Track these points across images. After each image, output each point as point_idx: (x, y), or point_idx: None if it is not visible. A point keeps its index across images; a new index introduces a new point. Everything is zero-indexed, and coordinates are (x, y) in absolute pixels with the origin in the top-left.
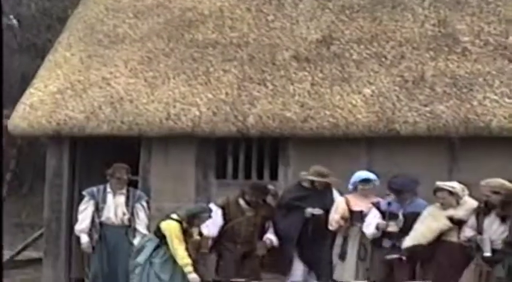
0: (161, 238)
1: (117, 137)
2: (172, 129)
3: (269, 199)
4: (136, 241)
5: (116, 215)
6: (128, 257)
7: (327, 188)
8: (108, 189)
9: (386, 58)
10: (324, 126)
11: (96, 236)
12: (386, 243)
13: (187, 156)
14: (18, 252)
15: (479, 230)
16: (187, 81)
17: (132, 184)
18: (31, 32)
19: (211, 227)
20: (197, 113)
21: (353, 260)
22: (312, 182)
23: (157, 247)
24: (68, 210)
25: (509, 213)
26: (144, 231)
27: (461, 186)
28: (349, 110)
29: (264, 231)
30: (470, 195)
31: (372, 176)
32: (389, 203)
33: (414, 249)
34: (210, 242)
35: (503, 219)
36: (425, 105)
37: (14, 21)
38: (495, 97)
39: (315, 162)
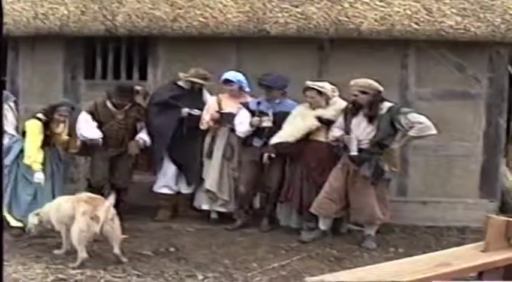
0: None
1: None
2: (40, 28)
3: (139, 99)
4: (5, 142)
5: None
6: None
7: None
8: None
9: None
10: (193, 26)
11: None
12: (257, 142)
13: (55, 57)
14: None
15: (347, 130)
16: None
17: (0, 86)
18: None
19: (85, 130)
20: (65, 11)
21: (218, 159)
22: (192, 82)
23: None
24: None
25: (376, 113)
26: (12, 131)
27: (331, 86)
28: (220, 10)
29: (136, 133)
30: (340, 96)
31: (233, 76)
32: (258, 103)
33: (280, 146)
34: (78, 143)
35: (370, 119)
36: (296, 6)
37: None
38: (366, 0)
39: (185, 62)
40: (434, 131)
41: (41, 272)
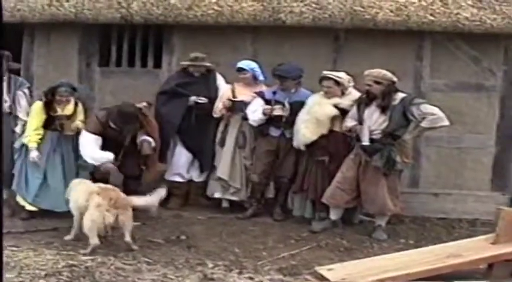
0: None
1: None
2: (55, 15)
3: (145, 110)
4: (18, 129)
5: None
6: (11, 144)
7: (210, 74)
8: None
9: None
10: (208, 14)
11: None
12: (275, 132)
13: (70, 44)
14: None
15: (360, 120)
16: None
17: (15, 72)
18: None
19: (92, 153)
20: None
21: (231, 147)
22: (194, 67)
23: None
24: None
25: (389, 104)
26: (25, 118)
27: (348, 77)
28: None
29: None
30: (355, 87)
31: (246, 65)
32: (274, 92)
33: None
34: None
35: (383, 110)
36: None
37: None
38: None
39: (199, 51)
40: (446, 122)
41: (51, 258)
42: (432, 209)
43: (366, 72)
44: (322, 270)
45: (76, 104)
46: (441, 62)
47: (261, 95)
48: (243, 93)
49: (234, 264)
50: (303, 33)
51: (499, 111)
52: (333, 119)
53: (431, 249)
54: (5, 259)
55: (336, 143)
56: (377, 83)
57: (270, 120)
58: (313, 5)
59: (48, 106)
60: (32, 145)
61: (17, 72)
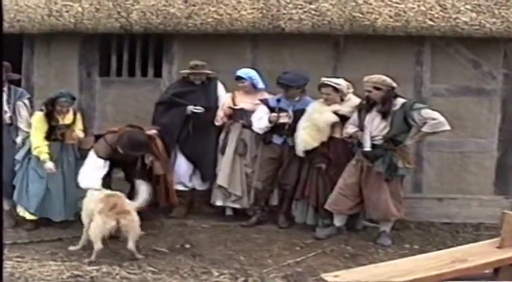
0: None
1: None
2: (55, 25)
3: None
4: (19, 139)
5: None
6: (12, 155)
7: (211, 82)
8: None
9: None
10: (208, 23)
11: None
12: (278, 140)
13: (70, 54)
14: None
15: (361, 126)
16: None
17: (15, 83)
18: None
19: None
20: (79, 9)
21: (230, 155)
22: (195, 75)
23: None
24: None
25: (389, 109)
26: (26, 129)
27: (347, 83)
28: (234, 6)
29: None
30: (355, 93)
31: (245, 73)
32: (278, 100)
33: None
34: (92, 140)
35: (384, 116)
36: (311, 3)
37: None
38: None
39: (199, 60)
40: (447, 127)
41: (56, 268)
42: (436, 214)
43: (366, 79)
44: (328, 276)
45: (75, 113)
46: (441, 66)
47: (265, 102)
48: (243, 101)
49: (240, 272)
50: (303, 40)
51: (501, 115)
52: (333, 125)
53: (437, 254)
54: (9, 270)
55: (336, 150)
56: (377, 89)
57: (274, 127)
58: (313, 12)
59: (49, 116)
60: (45, 156)
61: (17, 83)
